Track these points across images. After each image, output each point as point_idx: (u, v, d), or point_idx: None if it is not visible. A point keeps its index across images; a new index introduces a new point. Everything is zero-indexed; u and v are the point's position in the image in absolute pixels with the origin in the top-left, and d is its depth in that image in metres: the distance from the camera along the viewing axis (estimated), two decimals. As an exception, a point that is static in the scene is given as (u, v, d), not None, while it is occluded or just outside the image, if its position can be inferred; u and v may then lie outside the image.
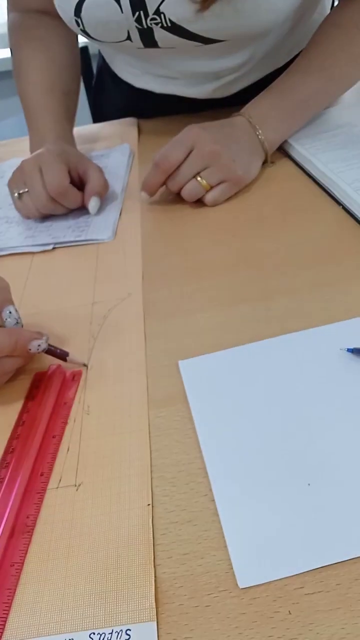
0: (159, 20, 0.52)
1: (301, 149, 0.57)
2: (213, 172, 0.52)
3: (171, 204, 0.55)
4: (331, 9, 0.73)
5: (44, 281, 0.47)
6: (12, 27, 0.66)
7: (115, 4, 0.51)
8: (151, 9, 0.51)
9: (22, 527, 0.27)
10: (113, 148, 0.68)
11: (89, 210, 0.54)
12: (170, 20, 0.51)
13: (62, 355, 0.37)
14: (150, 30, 0.53)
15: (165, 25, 0.52)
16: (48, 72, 0.63)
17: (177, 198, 0.54)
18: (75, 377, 0.36)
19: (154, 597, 0.24)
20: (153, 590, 0.24)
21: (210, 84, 0.67)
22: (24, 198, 0.54)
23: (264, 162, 0.57)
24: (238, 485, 0.28)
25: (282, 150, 0.60)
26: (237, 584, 0.24)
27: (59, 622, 0.24)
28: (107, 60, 0.75)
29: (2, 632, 0.24)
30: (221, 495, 0.27)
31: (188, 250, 0.47)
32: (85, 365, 0.37)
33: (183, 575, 0.25)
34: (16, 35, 0.66)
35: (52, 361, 0.37)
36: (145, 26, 0.53)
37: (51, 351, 0.36)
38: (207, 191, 0.53)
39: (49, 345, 0.36)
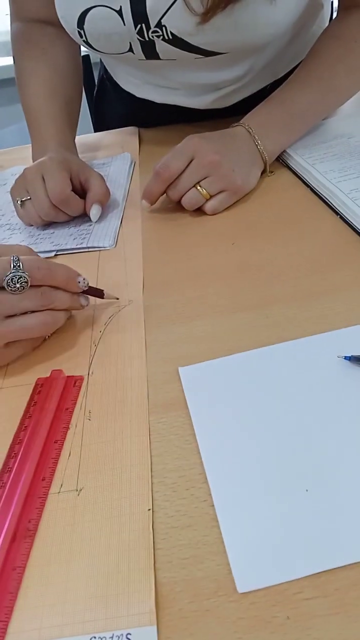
0: (160, 33, 0.53)
1: (300, 159, 0.58)
2: (213, 182, 0.53)
3: (171, 212, 0.55)
4: (330, 21, 0.74)
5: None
6: (16, 36, 0.67)
7: (118, 17, 0.52)
8: (153, 22, 0.52)
9: (24, 532, 0.28)
10: (114, 157, 0.69)
11: (90, 218, 0.55)
12: (171, 33, 0.52)
13: (99, 293, 0.42)
14: (151, 43, 0.54)
15: (166, 38, 0.53)
16: (50, 81, 0.64)
17: (177, 207, 0.55)
18: (77, 382, 0.36)
19: (154, 601, 0.24)
20: (153, 594, 0.24)
21: (210, 95, 0.68)
22: (27, 205, 0.54)
23: (263, 172, 0.58)
24: (237, 490, 0.28)
25: (281, 160, 0.61)
26: (236, 589, 0.24)
27: (60, 626, 0.24)
28: (109, 70, 0.76)
29: (3, 636, 0.24)
30: (220, 501, 0.28)
31: (188, 258, 0.48)
32: (117, 298, 0.43)
33: (183, 580, 0.25)
34: (19, 44, 0.67)
35: (54, 366, 0.38)
36: (147, 39, 0.54)
37: (91, 289, 0.41)
38: (207, 200, 0.53)
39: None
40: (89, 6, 0.53)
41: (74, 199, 0.54)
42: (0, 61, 1.73)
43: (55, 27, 0.64)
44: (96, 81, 0.90)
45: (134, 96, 0.73)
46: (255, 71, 0.66)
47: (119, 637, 0.23)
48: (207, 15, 0.49)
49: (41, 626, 0.24)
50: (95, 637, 0.23)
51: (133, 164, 0.67)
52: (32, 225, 0.56)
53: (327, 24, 0.73)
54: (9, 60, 1.71)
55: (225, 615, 0.24)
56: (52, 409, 0.34)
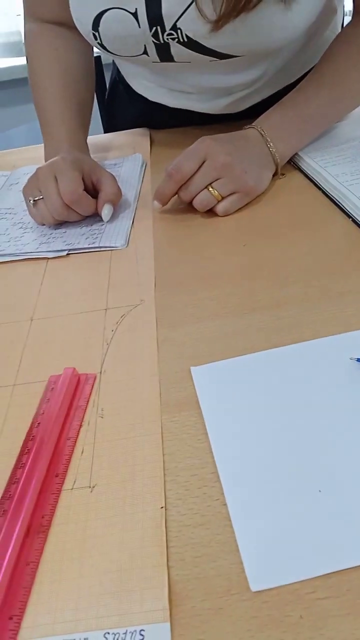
0: (175, 35, 0.53)
1: (311, 162, 0.58)
2: (225, 183, 0.53)
3: (183, 213, 0.56)
4: (342, 26, 0.75)
5: (58, 287, 0.48)
6: (29, 37, 0.67)
7: (133, 19, 0.53)
8: (168, 25, 0.52)
9: (38, 527, 0.28)
10: (126, 157, 0.69)
11: (102, 218, 0.55)
12: (186, 35, 0.53)
13: None
14: (166, 45, 0.55)
15: (181, 40, 0.53)
16: (63, 82, 0.64)
17: (188, 208, 0.55)
18: (89, 380, 0.37)
19: (167, 598, 0.24)
20: (167, 591, 0.25)
21: (222, 99, 0.68)
22: (39, 205, 0.55)
23: (275, 174, 0.58)
24: (250, 490, 0.28)
25: (293, 163, 0.61)
26: (249, 588, 0.25)
27: (74, 622, 0.24)
28: (122, 72, 0.77)
29: (17, 630, 0.24)
30: (233, 500, 0.28)
31: (200, 259, 0.48)
32: None
33: (196, 578, 0.25)
34: (33, 45, 0.67)
35: (67, 364, 0.38)
36: (162, 41, 0.54)
37: None
38: (219, 201, 0.54)
39: None
40: (104, 8, 0.53)
41: (85, 199, 0.54)
42: (10, 61, 1.74)
43: (69, 29, 0.64)
44: (107, 82, 0.91)
45: (146, 99, 0.73)
46: (269, 75, 0.67)
47: (132, 634, 0.23)
48: (218, 23, 0.49)
49: (55, 621, 0.24)
50: (108, 633, 0.23)
51: (144, 165, 0.68)
52: (44, 225, 0.56)
53: (339, 29, 0.73)
54: (18, 61, 1.73)
55: (238, 614, 0.24)
56: (64, 406, 0.34)
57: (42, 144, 0.64)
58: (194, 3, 0.49)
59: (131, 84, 0.75)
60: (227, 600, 0.24)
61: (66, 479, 0.30)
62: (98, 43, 0.57)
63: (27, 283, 0.49)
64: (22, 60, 1.72)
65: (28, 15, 0.68)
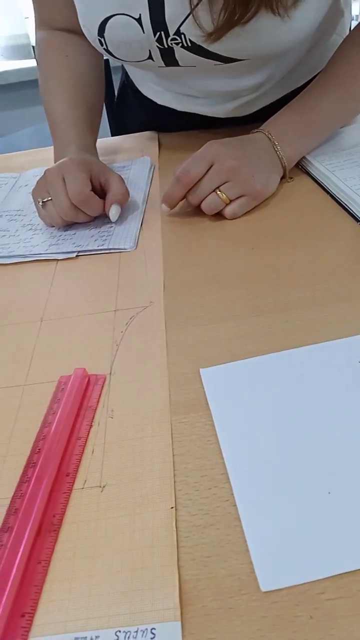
0: (179, 40, 0.53)
1: (319, 166, 0.58)
2: (232, 187, 0.53)
3: (191, 216, 0.56)
4: (350, 30, 0.75)
5: (68, 288, 0.48)
6: (40, 44, 0.68)
7: (137, 25, 0.53)
8: (172, 30, 0.53)
9: (49, 526, 0.28)
10: (134, 160, 0.70)
11: (110, 218, 0.55)
12: (190, 40, 0.53)
13: None
14: (171, 50, 0.55)
15: (185, 45, 0.54)
16: (74, 87, 0.65)
17: (196, 211, 0.55)
18: (99, 381, 0.37)
19: (178, 597, 0.25)
20: (177, 590, 0.25)
21: (229, 103, 0.68)
22: (48, 206, 0.55)
23: (282, 178, 0.58)
24: (259, 491, 0.28)
25: (301, 167, 0.61)
26: (259, 588, 0.25)
27: (85, 620, 0.24)
28: (131, 76, 0.77)
29: (29, 628, 0.24)
30: (243, 501, 0.28)
31: (208, 262, 0.49)
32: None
33: (206, 578, 0.25)
34: (44, 52, 0.68)
35: (76, 365, 0.38)
36: (166, 46, 0.55)
37: None
38: (227, 205, 0.54)
39: None
40: (109, 15, 0.54)
41: (93, 199, 0.55)
42: (18, 64, 1.75)
43: (79, 35, 0.65)
44: (115, 86, 0.92)
45: (154, 102, 0.74)
46: (275, 79, 0.67)
47: (143, 632, 0.23)
48: (212, 36, 0.50)
49: (66, 619, 0.25)
50: (120, 631, 0.24)
51: (153, 168, 0.68)
52: (53, 226, 0.57)
53: (347, 32, 0.73)
54: (26, 63, 1.74)
55: (249, 614, 0.24)
56: (75, 407, 0.35)
57: (51, 146, 0.64)
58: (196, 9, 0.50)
59: (139, 88, 0.75)
60: (238, 600, 0.25)
61: (77, 479, 0.30)
62: (104, 49, 0.58)
63: (37, 284, 0.49)
64: (29, 63, 1.73)
65: (39, 23, 0.69)
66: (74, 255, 0.52)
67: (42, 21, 0.68)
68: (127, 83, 0.81)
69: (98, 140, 0.68)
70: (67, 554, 0.27)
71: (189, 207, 0.56)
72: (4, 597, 0.25)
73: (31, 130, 1.62)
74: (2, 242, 0.55)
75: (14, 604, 0.25)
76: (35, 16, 0.68)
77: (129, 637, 0.23)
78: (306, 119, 0.58)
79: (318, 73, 0.61)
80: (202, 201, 0.54)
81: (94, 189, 0.55)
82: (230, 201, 0.54)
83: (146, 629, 0.24)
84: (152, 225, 0.56)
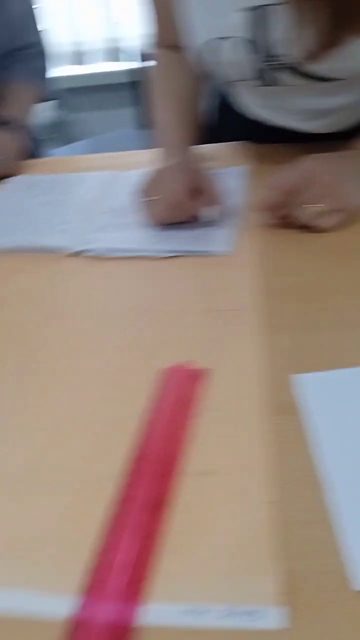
0: (279, 61, 0.56)
1: None
2: (328, 201, 0.54)
3: (285, 227, 0.57)
4: None
5: (163, 286, 0.51)
6: (156, 60, 0.76)
7: (239, 47, 0.56)
8: (273, 51, 0.55)
9: (159, 507, 0.30)
10: (229, 168, 0.72)
11: (206, 222, 0.58)
12: (289, 61, 0.55)
13: None
14: (272, 71, 0.57)
15: (284, 66, 0.56)
16: (177, 100, 0.71)
17: (290, 222, 0.56)
18: (199, 376, 0.39)
19: (283, 585, 0.26)
20: (283, 579, 0.26)
21: (324, 119, 0.70)
22: (150, 206, 0.58)
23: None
24: (357, 493, 0.29)
25: None
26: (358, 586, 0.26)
27: (197, 593, 0.26)
28: (225, 91, 0.81)
29: (142, 597, 0.27)
30: (341, 501, 0.29)
31: (305, 271, 0.50)
32: None
33: (307, 571, 0.27)
34: (156, 68, 0.75)
35: (176, 360, 0.40)
36: (268, 67, 0.57)
37: None
38: (322, 218, 0.55)
39: None
40: (211, 37, 0.57)
41: (191, 202, 0.57)
42: (110, 66, 1.84)
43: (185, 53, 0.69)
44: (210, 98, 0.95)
45: (247, 117, 0.76)
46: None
47: (250, 613, 0.25)
48: (310, 57, 0.52)
49: (178, 591, 0.26)
50: (228, 608, 0.25)
51: (247, 177, 0.70)
52: (153, 225, 0.60)
53: None
54: (116, 66, 1.82)
55: (350, 611, 0.25)
56: (175, 398, 0.37)
57: (149, 149, 0.70)
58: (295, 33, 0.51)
59: (234, 102, 0.79)
60: (340, 595, 0.26)
61: (181, 466, 0.32)
62: (207, 69, 0.62)
63: (134, 280, 0.52)
64: (120, 66, 1.81)
65: (156, 43, 0.76)
66: (172, 254, 0.55)
67: (158, 41, 0.76)
68: (222, 96, 0.84)
69: (195, 148, 0.71)
70: (175, 535, 0.29)
71: (283, 218, 0.57)
72: (129, 566, 0.27)
73: (121, 133, 1.68)
74: (101, 237, 0.59)
75: (132, 575, 0.27)
76: (153, 36, 0.75)
77: (235, 615, 0.25)
78: None
79: None
80: (297, 213, 0.55)
81: (195, 193, 0.58)
82: (326, 215, 0.55)
83: (253, 609, 0.25)
84: (247, 231, 0.58)
